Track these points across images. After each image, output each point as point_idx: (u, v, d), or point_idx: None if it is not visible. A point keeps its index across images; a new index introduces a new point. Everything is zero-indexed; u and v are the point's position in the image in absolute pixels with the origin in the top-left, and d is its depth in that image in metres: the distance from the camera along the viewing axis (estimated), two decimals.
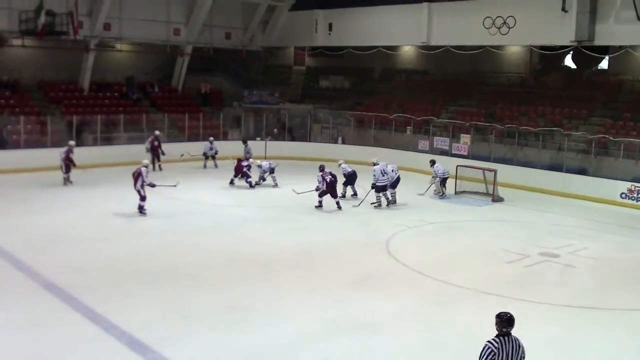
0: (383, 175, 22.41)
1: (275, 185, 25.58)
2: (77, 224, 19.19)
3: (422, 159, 28.66)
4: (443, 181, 25.02)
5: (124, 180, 21.03)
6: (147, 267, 15.31)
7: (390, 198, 22.96)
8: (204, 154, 30.00)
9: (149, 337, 11.31)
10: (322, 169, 22.55)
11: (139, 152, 29.22)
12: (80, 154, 26.24)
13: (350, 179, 23.83)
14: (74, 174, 25.16)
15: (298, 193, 23.26)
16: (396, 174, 23.06)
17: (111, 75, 36.20)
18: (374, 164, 22.71)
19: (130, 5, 34.19)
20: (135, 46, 36.77)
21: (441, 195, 24.95)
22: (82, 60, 33.72)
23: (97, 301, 12.82)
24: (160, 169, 28.51)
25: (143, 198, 20.20)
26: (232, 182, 25.91)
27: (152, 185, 20.46)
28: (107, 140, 31.39)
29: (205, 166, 29.87)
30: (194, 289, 13.98)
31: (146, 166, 20.56)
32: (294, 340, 11.60)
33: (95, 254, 16.21)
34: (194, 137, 32.90)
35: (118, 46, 36.00)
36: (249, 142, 29.86)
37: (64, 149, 25.12)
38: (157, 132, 28.98)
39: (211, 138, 30.60)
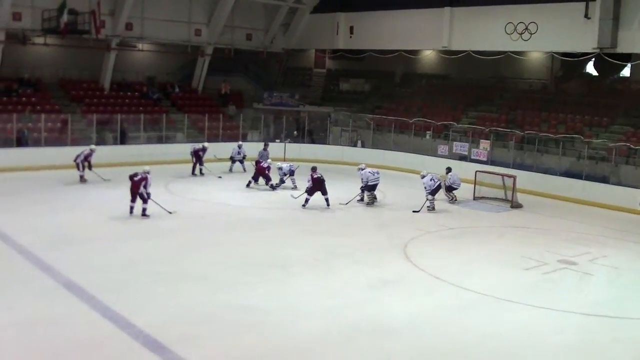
0: (373, 175, 23.44)
1: (295, 188, 25.55)
2: (97, 224, 19.28)
3: (441, 164, 28.60)
4: (449, 188, 24.94)
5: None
6: (165, 267, 15.37)
7: (367, 199, 23.79)
8: (231, 157, 29.56)
9: (165, 337, 11.35)
10: (313, 169, 23.31)
11: (159, 151, 29.52)
12: (101, 153, 26.44)
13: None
14: (89, 173, 25.38)
15: (295, 197, 23.39)
16: (436, 182, 23.23)
17: (132, 74, 36.48)
18: (422, 177, 23.50)
19: (152, 6, 34.41)
20: (157, 46, 37.00)
21: (450, 200, 24.92)
22: (104, 60, 34.00)
23: (115, 300, 12.89)
24: (202, 173, 28.24)
25: (147, 198, 20.03)
26: (249, 184, 25.96)
27: (148, 196, 20.09)
28: (127, 140, 31.55)
29: (231, 170, 29.43)
30: (211, 289, 14.02)
31: (149, 172, 20.25)
32: (310, 343, 11.60)
33: (114, 254, 16.29)
34: (213, 138, 32.97)
35: (139, 46, 36.26)
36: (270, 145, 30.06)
37: (86, 151, 25.35)
38: (206, 144, 28.79)
39: (240, 142, 30.42)
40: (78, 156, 25.14)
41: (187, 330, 11.79)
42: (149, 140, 31.86)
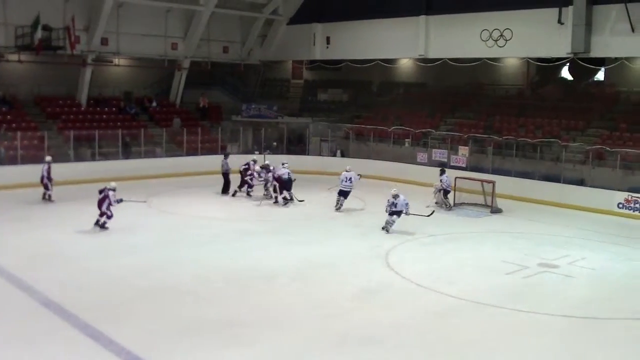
0: (345, 182, 24.15)
1: (248, 194, 26.14)
2: (75, 241, 19.08)
3: (420, 172, 28.78)
4: (445, 193, 25.11)
5: (122, 196, 20.94)
6: (146, 283, 15.25)
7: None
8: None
9: (148, 353, 11.28)
10: (283, 165, 25.28)
11: (138, 166, 29.29)
12: (78, 169, 26.24)
13: (287, 184, 24.86)
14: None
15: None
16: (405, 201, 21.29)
17: (109, 90, 36.19)
18: (395, 197, 21.14)
19: (127, 20, 34.18)
20: (133, 61, 36.81)
21: (447, 207, 25.02)
22: (80, 75, 33.70)
23: (96, 318, 12.75)
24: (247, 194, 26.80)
25: (110, 216, 20.20)
26: (234, 194, 25.96)
27: (120, 201, 20.43)
28: (105, 156, 31.29)
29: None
30: (194, 303, 13.95)
31: (114, 189, 20.32)
32: (295, 355, 11.58)
33: (94, 270, 16.13)
34: (192, 152, 32.89)
35: (116, 61, 35.99)
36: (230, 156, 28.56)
37: (45, 167, 24.52)
38: (255, 157, 27.57)
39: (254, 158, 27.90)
40: (43, 176, 24.36)
41: (170, 345, 11.71)
42: (126, 156, 31.62)
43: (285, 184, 24.95)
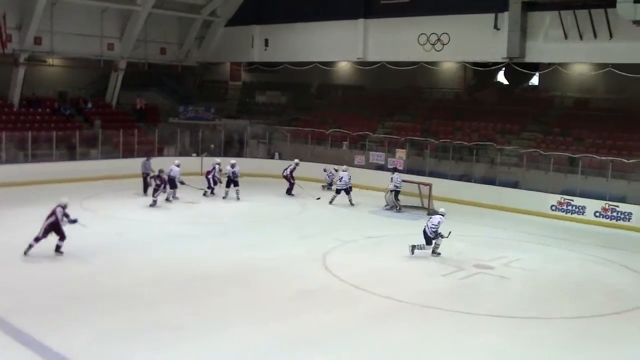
0: (340, 181, 26.39)
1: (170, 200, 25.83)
2: (7, 245, 18.14)
3: (358, 174, 28.83)
4: (396, 194, 25.35)
5: (57, 200, 20.12)
6: (82, 288, 14.88)
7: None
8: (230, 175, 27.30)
9: (83, 359, 11.02)
10: (232, 165, 26.76)
11: (71, 169, 28.65)
12: (11, 171, 25.50)
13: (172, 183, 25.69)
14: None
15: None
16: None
17: (43, 90, 35.31)
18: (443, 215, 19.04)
19: (62, 19, 33.40)
20: (68, 61, 36.06)
21: (397, 209, 25.25)
22: (12, 75, 32.78)
23: (29, 324, 12.38)
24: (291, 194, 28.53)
25: (63, 237, 17.27)
26: (206, 194, 26.73)
27: (74, 221, 17.45)
28: (39, 158, 30.49)
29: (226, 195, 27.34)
30: (131, 308, 13.66)
31: (64, 206, 17.36)
32: (233, 358, 11.49)
33: (27, 276, 15.69)
34: (128, 154, 32.34)
35: (50, 60, 35.20)
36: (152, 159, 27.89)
37: None
38: (297, 160, 29.19)
39: (233, 161, 27.86)
40: None
41: (106, 351, 11.45)
42: (61, 158, 30.88)
43: (170, 183, 25.67)
